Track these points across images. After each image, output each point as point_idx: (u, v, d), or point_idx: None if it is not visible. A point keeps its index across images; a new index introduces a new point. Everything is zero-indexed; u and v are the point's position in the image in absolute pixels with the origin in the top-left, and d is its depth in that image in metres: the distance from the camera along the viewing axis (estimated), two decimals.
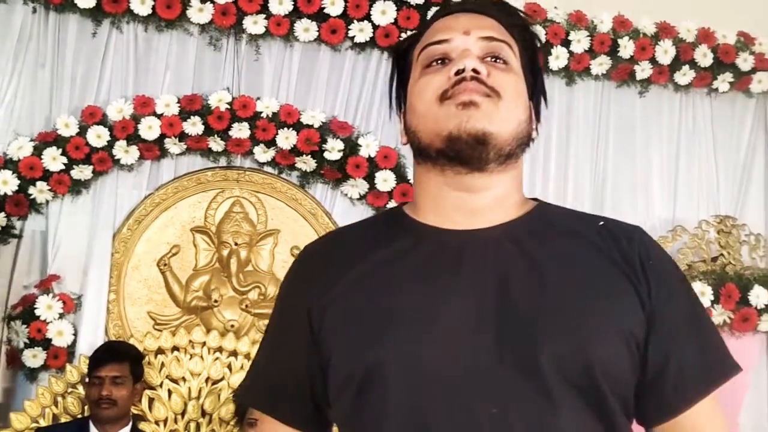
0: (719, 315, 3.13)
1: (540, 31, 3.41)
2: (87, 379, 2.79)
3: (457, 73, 0.99)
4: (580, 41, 3.48)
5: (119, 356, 2.79)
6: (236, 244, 3.28)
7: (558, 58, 3.47)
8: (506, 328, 0.93)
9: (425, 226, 1.03)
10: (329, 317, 0.99)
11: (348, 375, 0.96)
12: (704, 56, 3.59)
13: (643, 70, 3.57)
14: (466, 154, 0.98)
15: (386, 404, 0.93)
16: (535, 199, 1.08)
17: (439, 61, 1.02)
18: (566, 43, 3.48)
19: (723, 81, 3.66)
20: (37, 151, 3.06)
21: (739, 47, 3.63)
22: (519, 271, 0.98)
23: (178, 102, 3.17)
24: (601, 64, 3.54)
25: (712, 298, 3.13)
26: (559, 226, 1.04)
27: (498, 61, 1.02)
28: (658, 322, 0.97)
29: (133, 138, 3.12)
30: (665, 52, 3.55)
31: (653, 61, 3.56)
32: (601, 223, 1.04)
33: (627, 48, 3.51)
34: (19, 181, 3.03)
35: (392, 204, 3.23)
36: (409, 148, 1.07)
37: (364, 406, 0.95)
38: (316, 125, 3.23)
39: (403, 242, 1.02)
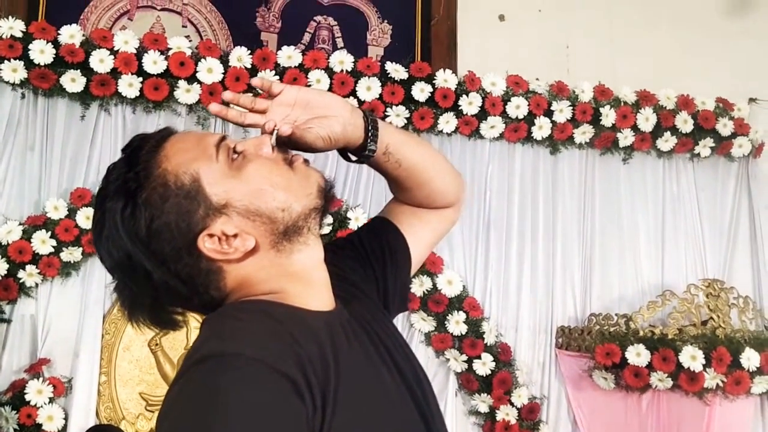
0: (711, 379, 3.12)
1: (522, 103, 3.48)
2: None
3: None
4: (562, 111, 3.53)
5: None
6: None
7: (541, 128, 3.52)
8: (421, 403, 1.09)
9: (317, 313, 1.05)
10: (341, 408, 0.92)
11: None
12: (685, 122, 3.65)
13: (626, 137, 3.62)
14: (330, 202, 1.07)
15: None
16: None
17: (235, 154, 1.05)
18: (549, 113, 3.53)
19: (704, 146, 3.73)
20: (27, 235, 3.05)
21: (718, 113, 3.70)
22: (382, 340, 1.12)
23: None
24: (584, 133, 3.60)
25: (704, 362, 3.12)
26: None
27: None
28: None
29: None
30: (647, 120, 3.61)
31: (635, 128, 3.62)
32: None
33: (609, 116, 3.57)
34: (8, 266, 3.02)
35: None
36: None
37: None
38: None
39: (327, 335, 1.01)
